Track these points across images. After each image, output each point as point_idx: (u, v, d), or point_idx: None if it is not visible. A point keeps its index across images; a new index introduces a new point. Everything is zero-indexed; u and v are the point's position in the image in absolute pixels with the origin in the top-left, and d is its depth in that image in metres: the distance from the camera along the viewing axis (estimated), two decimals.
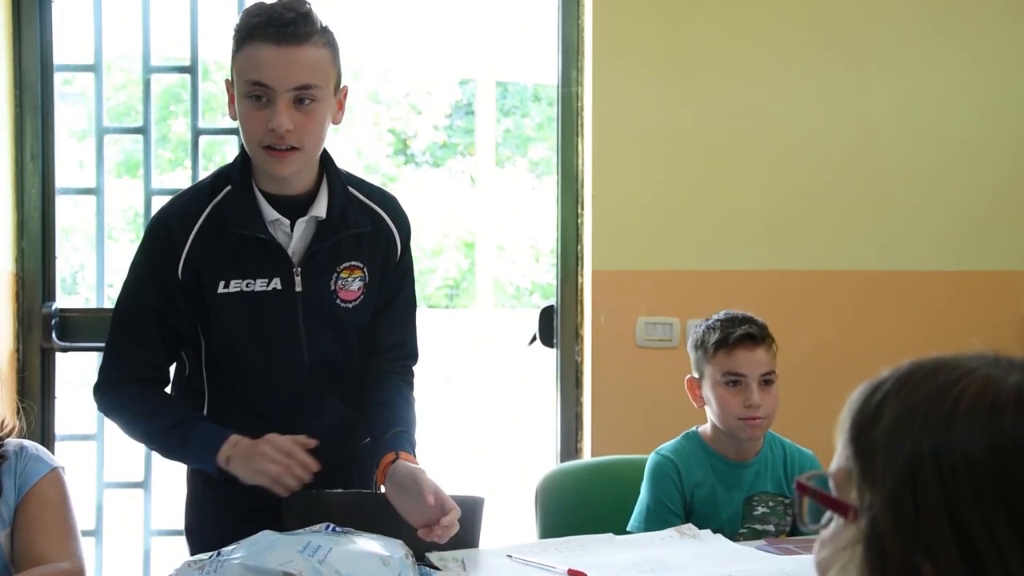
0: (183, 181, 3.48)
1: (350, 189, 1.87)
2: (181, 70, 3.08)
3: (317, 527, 1.62)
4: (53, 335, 2.93)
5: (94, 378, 1.89)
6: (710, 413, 2.12)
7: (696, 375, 2.13)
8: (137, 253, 1.87)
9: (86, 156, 4.28)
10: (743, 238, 3.00)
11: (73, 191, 3.14)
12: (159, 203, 2.77)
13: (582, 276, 3.02)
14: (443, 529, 1.65)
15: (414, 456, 1.77)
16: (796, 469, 2.11)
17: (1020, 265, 3.05)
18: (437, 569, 1.70)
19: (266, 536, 1.55)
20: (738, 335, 2.06)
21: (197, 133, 3.05)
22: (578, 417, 3.03)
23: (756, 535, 2.05)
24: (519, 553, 1.76)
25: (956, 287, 3.04)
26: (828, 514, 0.85)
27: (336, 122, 1.80)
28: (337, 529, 1.61)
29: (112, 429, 3.05)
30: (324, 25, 1.74)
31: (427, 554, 1.72)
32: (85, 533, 2.06)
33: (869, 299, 3.03)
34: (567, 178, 3.04)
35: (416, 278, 1.99)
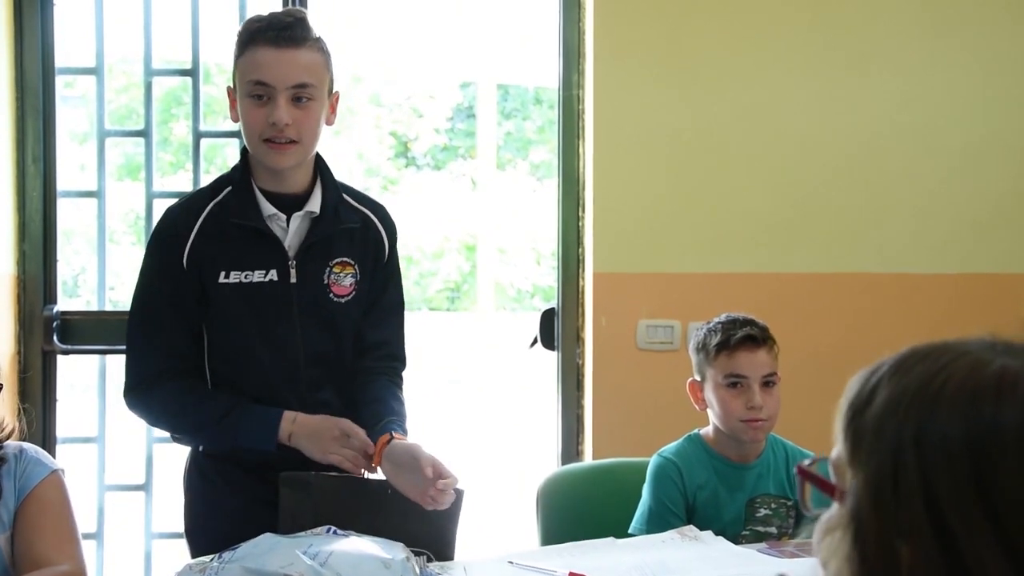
0: (184, 184, 3.48)
1: (342, 193, 1.99)
2: (182, 73, 3.09)
3: (318, 530, 1.62)
4: (54, 338, 2.94)
5: (121, 382, 1.93)
6: (712, 415, 2.12)
7: (698, 378, 2.13)
8: (145, 256, 1.96)
9: (87, 159, 4.27)
10: (744, 241, 3.00)
11: (74, 194, 3.15)
12: (160, 206, 2.79)
13: (583, 279, 3.02)
14: (438, 492, 1.71)
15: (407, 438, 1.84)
16: None
17: (1021, 268, 3.04)
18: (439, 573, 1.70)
19: (267, 539, 1.55)
20: (739, 337, 2.06)
21: (198, 136, 3.05)
22: (579, 420, 3.03)
23: (758, 537, 2.04)
24: (520, 559, 1.76)
25: (957, 290, 3.03)
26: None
27: (329, 123, 1.93)
28: (338, 532, 1.61)
29: (113, 431, 3.07)
30: (318, 35, 1.89)
31: (428, 564, 1.72)
32: (86, 536, 2.06)
33: (870, 302, 3.02)
34: (568, 181, 3.04)
35: (417, 281, 2.02)
